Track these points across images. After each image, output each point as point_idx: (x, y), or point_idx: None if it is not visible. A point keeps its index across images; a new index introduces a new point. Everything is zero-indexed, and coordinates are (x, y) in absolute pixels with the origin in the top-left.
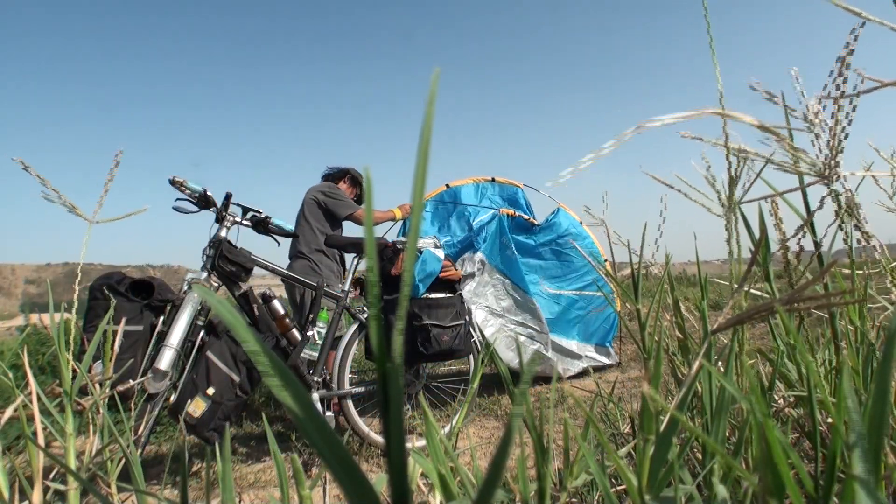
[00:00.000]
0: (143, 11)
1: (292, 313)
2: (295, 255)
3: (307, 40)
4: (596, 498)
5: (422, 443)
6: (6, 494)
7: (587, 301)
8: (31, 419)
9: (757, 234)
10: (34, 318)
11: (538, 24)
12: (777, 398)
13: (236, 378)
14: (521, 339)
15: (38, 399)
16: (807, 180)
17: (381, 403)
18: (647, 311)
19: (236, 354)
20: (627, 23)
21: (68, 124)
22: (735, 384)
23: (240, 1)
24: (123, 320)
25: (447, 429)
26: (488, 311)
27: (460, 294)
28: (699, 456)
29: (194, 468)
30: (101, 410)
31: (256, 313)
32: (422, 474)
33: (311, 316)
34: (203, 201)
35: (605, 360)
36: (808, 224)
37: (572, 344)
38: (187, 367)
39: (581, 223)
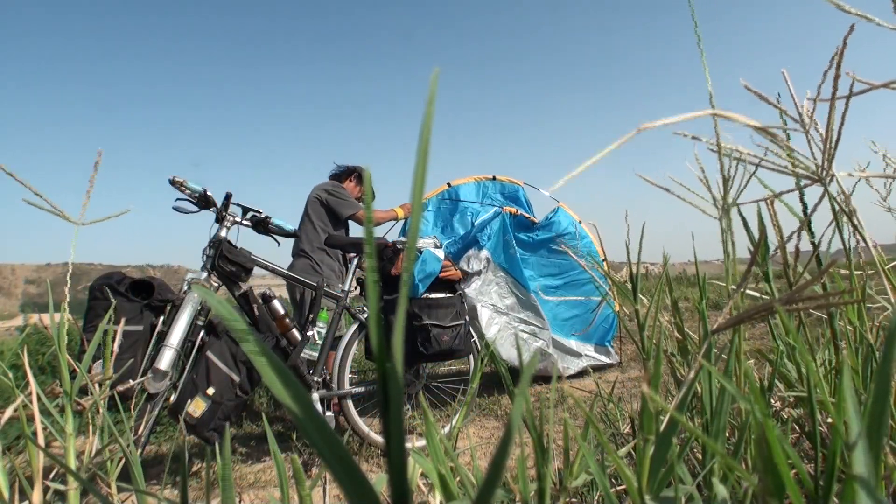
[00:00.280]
0: (143, 11)
1: (293, 313)
2: (297, 253)
3: (307, 40)
4: (596, 498)
5: (422, 443)
6: (6, 494)
7: (585, 301)
8: (31, 419)
9: (756, 235)
10: (34, 318)
11: (539, 24)
12: (777, 398)
13: (236, 378)
14: (524, 336)
15: (38, 399)
16: (803, 182)
17: (381, 403)
18: (645, 312)
19: (236, 354)
20: (628, 23)
21: (68, 124)
22: (735, 384)
23: (240, 1)
24: (123, 320)
25: (447, 429)
26: (493, 309)
27: (460, 294)
28: (699, 456)
29: (194, 468)
30: (101, 410)
31: (256, 313)
32: (422, 474)
33: (311, 316)
34: (203, 201)
35: (604, 360)
36: (806, 225)
37: (571, 342)
38: (187, 367)
39: (580, 222)
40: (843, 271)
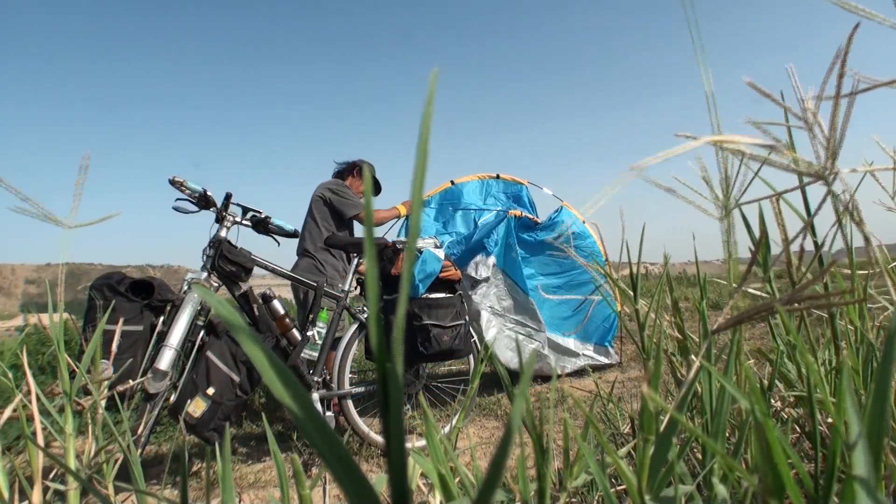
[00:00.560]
0: (143, 11)
1: (298, 312)
2: (301, 253)
3: (307, 40)
4: (596, 498)
5: (422, 443)
6: (6, 494)
7: (585, 299)
8: (30, 419)
9: (757, 234)
10: (34, 318)
11: (539, 24)
12: (777, 398)
13: (236, 378)
14: (520, 337)
15: (38, 399)
16: (808, 179)
17: (381, 403)
18: (646, 312)
19: (236, 354)
20: (629, 22)
21: (68, 124)
22: (735, 384)
23: (240, 1)
24: (123, 320)
25: (447, 429)
26: (491, 311)
27: (460, 294)
28: (699, 456)
29: (194, 468)
30: (100, 410)
31: (256, 313)
32: (422, 474)
33: (311, 316)
34: (203, 201)
35: (603, 360)
36: (809, 225)
37: (569, 342)
38: (187, 367)
39: (584, 222)
40: (844, 271)
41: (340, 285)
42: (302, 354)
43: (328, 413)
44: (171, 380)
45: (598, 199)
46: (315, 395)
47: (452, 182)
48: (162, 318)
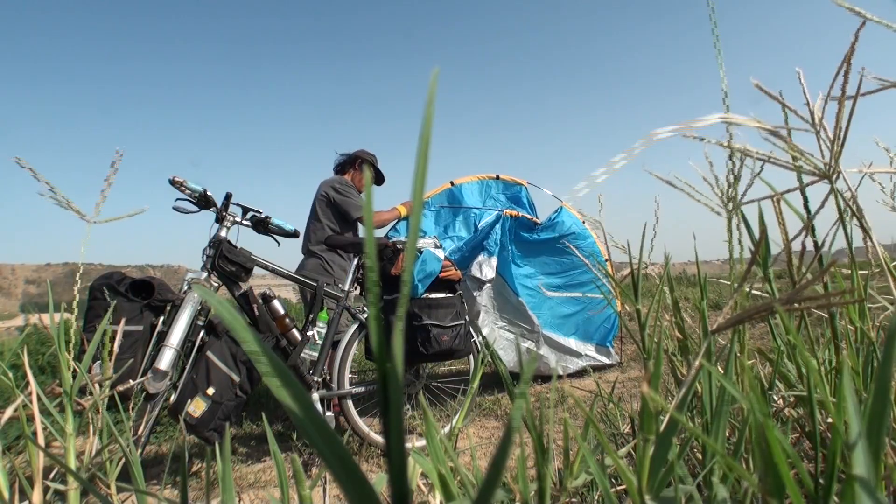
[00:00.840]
0: (143, 11)
1: (305, 312)
2: (307, 252)
3: (306, 39)
4: (596, 498)
5: (422, 443)
6: (6, 494)
7: (585, 299)
8: (31, 419)
9: (756, 234)
10: (34, 318)
11: (541, 24)
12: (777, 398)
13: (236, 378)
14: (511, 337)
15: (38, 399)
16: (809, 179)
17: (381, 403)
18: (646, 312)
19: (236, 354)
20: (629, 23)
21: (68, 124)
22: (735, 384)
23: (239, 1)
24: (123, 320)
25: (447, 429)
26: (484, 311)
27: (460, 294)
28: (699, 456)
29: (194, 468)
30: (101, 410)
31: (256, 313)
32: (422, 474)
33: (311, 316)
34: (203, 201)
35: (604, 360)
36: (810, 225)
37: (570, 342)
38: (187, 367)
39: (584, 222)
40: (844, 271)
41: (341, 285)
42: (302, 354)
43: (328, 413)
44: (171, 380)
45: (585, 184)
46: (315, 395)
47: (452, 183)
48: (162, 318)
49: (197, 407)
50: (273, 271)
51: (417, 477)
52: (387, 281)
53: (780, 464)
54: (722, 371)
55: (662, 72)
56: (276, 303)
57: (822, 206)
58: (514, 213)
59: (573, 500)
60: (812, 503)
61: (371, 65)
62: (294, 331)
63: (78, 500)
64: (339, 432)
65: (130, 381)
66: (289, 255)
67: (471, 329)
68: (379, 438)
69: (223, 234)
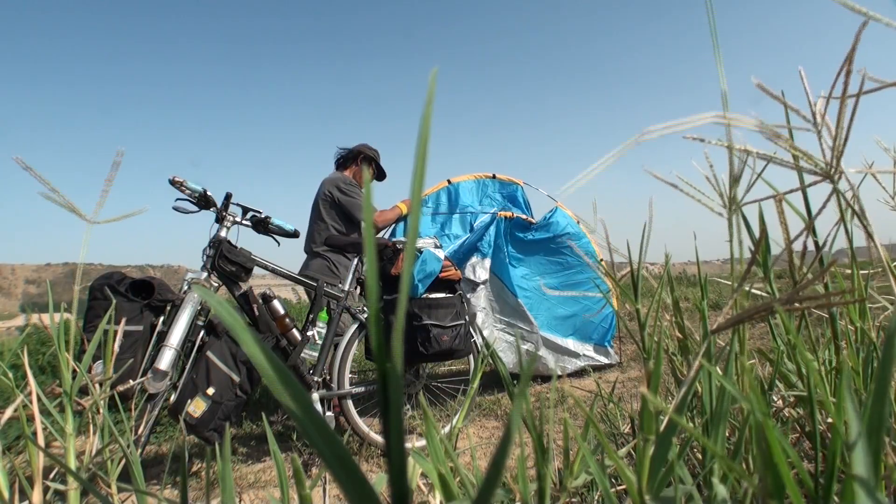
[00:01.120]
0: (143, 11)
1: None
2: (311, 253)
3: (306, 39)
4: (596, 498)
5: (422, 443)
6: (6, 494)
7: (583, 299)
8: (31, 419)
9: (757, 234)
10: (34, 318)
11: (541, 24)
12: (777, 398)
13: (236, 378)
14: (511, 339)
15: (38, 399)
16: (811, 179)
17: (381, 403)
18: (646, 312)
19: (236, 354)
20: (628, 23)
21: (68, 124)
22: (735, 384)
23: (239, 1)
24: (123, 320)
25: (447, 429)
26: (483, 312)
27: (460, 294)
28: (699, 456)
29: (194, 468)
30: (101, 410)
31: (256, 313)
32: (422, 474)
33: (311, 316)
34: (203, 201)
35: (603, 360)
36: (811, 224)
37: (568, 342)
38: (187, 367)
39: (578, 223)
40: (845, 271)
41: (341, 285)
42: (302, 354)
43: (328, 413)
44: (171, 380)
45: (576, 181)
46: (315, 395)
47: (449, 181)
48: (162, 318)
49: (197, 407)
50: (273, 271)
51: (417, 477)
52: (387, 281)
53: (780, 464)
54: (722, 371)
55: (663, 72)
56: (276, 303)
57: (823, 206)
58: (509, 214)
59: (573, 500)
60: (812, 503)
61: (371, 65)
62: (294, 331)
63: (78, 500)
64: (339, 432)
65: (130, 381)
66: (289, 255)
67: (471, 329)
68: (379, 438)
69: (223, 234)
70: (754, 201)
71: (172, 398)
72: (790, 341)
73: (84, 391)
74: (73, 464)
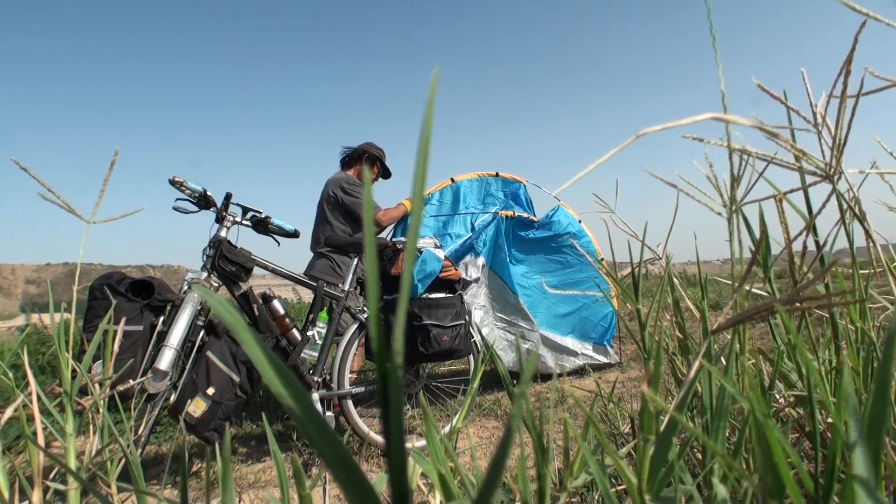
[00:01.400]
0: (143, 11)
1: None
2: (316, 253)
3: (306, 39)
4: (596, 498)
5: (422, 443)
6: (6, 494)
7: (582, 298)
8: (31, 419)
9: (757, 234)
10: (34, 318)
11: (542, 24)
12: (777, 398)
13: (236, 378)
14: (512, 338)
15: (38, 399)
16: (811, 179)
17: (381, 403)
18: (647, 311)
19: (236, 354)
20: (627, 24)
21: (68, 124)
22: (735, 384)
23: (239, 1)
24: (123, 320)
25: (447, 429)
26: (483, 311)
27: (460, 294)
28: (699, 456)
29: (194, 468)
30: (101, 410)
31: (256, 313)
32: (422, 474)
33: (311, 316)
34: (203, 201)
35: (602, 359)
36: (812, 224)
37: (567, 341)
38: (187, 367)
39: (580, 222)
40: (846, 271)
41: (341, 285)
42: (302, 354)
43: (328, 413)
44: (171, 380)
45: (582, 174)
46: (315, 395)
47: (452, 180)
48: (162, 318)
49: (197, 407)
50: (273, 271)
51: (417, 477)
52: (387, 281)
53: (780, 464)
54: (722, 371)
55: (663, 71)
56: (276, 303)
57: (823, 206)
58: (510, 213)
59: (573, 500)
60: (812, 503)
61: (371, 65)
62: (294, 331)
63: (78, 500)
64: (339, 432)
65: (130, 381)
66: (289, 255)
67: (471, 329)
68: (379, 438)
69: (223, 234)
70: (754, 201)
71: (172, 398)
72: (790, 341)
73: (84, 391)
74: (73, 464)
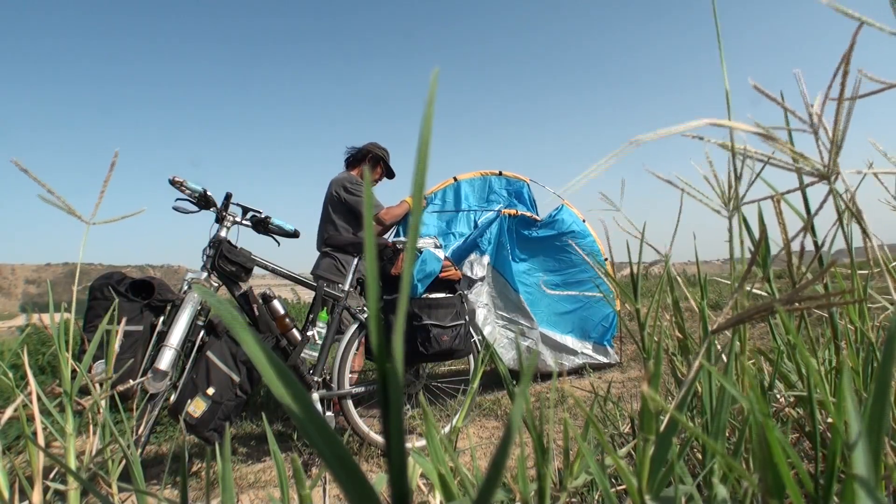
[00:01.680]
0: (143, 11)
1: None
2: (321, 252)
3: (307, 39)
4: (596, 498)
5: (422, 443)
6: (6, 494)
7: (584, 297)
8: (31, 419)
9: (757, 234)
10: (34, 318)
11: (542, 24)
12: (777, 398)
13: (236, 378)
14: (512, 335)
15: (38, 399)
16: (809, 180)
17: (381, 403)
18: (646, 312)
19: (236, 354)
20: (627, 24)
21: (68, 124)
22: (735, 384)
23: (239, 1)
24: (123, 320)
25: (447, 429)
26: (486, 309)
27: (460, 294)
28: (699, 456)
29: (194, 468)
30: (101, 410)
31: (256, 313)
32: (422, 474)
33: (311, 316)
34: (203, 201)
35: (602, 359)
36: (810, 224)
37: (567, 339)
38: (187, 367)
39: (584, 221)
40: (845, 271)
41: (341, 285)
42: (302, 354)
43: (328, 413)
44: (171, 380)
45: (579, 179)
46: (315, 395)
47: (455, 178)
48: (162, 318)
49: (197, 407)
50: (273, 271)
51: (417, 477)
52: (387, 281)
53: (780, 464)
54: (722, 371)
55: (664, 71)
56: (276, 303)
57: (821, 206)
58: (513, 211)
59: (573, 500)
60: (812, 503)
61: (371, 65)
62: (294, 331)
63: (78, 500)
64: (339, 432)
65: (130, 381)
66: (289, 255)
67: (471, 329)
68: (379, 438)
69: (223, 234)
70: (753, 201)
71: (172, 398)
72: (790, 341)
73: (84, 391)
74: (73, 464)
